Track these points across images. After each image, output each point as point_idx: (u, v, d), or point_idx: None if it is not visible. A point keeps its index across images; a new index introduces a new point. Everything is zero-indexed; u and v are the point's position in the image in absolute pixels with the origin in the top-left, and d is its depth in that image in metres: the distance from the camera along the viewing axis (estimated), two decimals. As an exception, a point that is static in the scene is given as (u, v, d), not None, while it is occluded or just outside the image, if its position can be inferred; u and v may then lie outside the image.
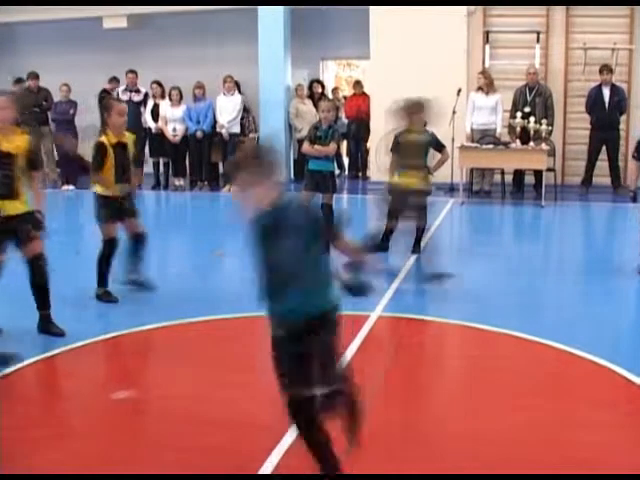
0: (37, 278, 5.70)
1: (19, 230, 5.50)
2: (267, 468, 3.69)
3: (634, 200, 7.65)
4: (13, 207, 5.51)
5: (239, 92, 14.23)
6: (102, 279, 6.64)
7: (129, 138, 6.55)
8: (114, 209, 6.43)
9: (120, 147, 6.39)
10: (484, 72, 12.48)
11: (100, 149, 6.31)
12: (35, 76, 14.18)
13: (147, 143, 13.80)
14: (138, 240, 6.71)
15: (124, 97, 13.73)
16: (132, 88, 13.78)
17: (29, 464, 3.74)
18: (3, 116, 5.39)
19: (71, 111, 13.71)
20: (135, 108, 13.66)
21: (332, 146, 8.35)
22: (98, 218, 6.53)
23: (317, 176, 8.34)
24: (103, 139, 6.35)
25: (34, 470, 3.67)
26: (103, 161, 6.29)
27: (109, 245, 6.54)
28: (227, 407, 4.41)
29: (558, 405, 4.46)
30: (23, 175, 5.59)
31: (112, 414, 4.34)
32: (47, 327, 5.71)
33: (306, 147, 8.47)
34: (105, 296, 6.57)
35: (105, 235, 6.53)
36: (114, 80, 14.37)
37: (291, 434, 4.00)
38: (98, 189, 6.46)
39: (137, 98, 13.74)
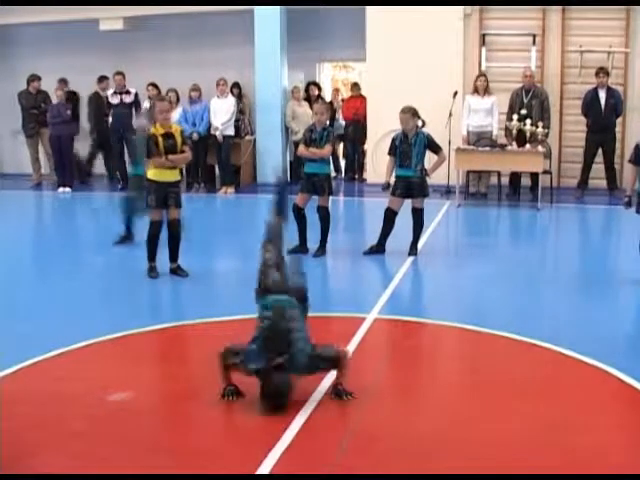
0: None
1: None
2: (265, 468, 3.69)
3: (628, 205, 7.41)
4: None
5: (240, 94, 14.26)
6: (148, 255, 7.49)
7: (176, 130, 7.44)
8: (160, 195, 7.27)
9: (167, 137, 7.27)
10: (484, 74, 12.50)
11: (149, 138, 7.26)
12: (37, 78, 14.09)
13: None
14: (171, 227, 7.41)
15: (114, 100, 13.71)
16: (121, 90, 13.76)
17: (29, 465, 3.74)
18: None
19: (68, 112, 13.68)
20: (127, 110, 13.66)
21: (327, 148, 8.28)
22: (146, 202, 7.37)
23: (313, 179, 8.29)
24: (152, 130, 7.30)
25: (34, 471, 3.67)
26: (154, 148, 7.21)
27: (152, 226, 7.40)
28: (225, 407, 4.41)
29: (554, 407, 4.47)
30: None
31: (110, 416, 4.34)
32: None
33: (301, 150, 8.43)
34: (149, 271, 7.46)
35: (150, 217, 7.43)
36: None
37: (289, 434, 4.02)
38: (149, 175, 7.35)
39: (128, 99, 13.71)
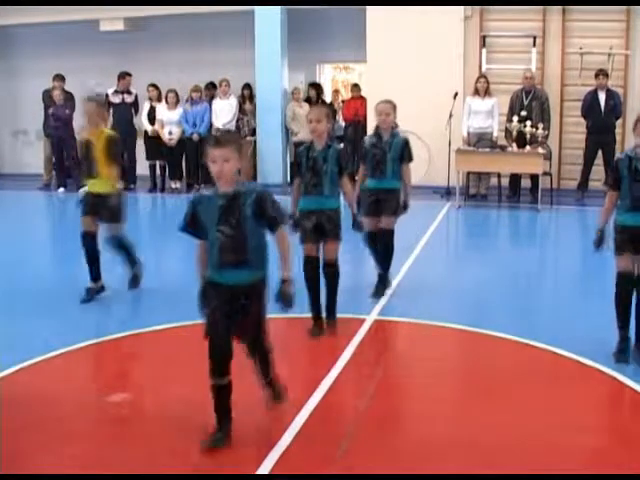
0: None
1: None
2: (265, 468, 3.70)
3: (600, 243, 5.26)
4: None
5: (251, 95, 14.27)
6: (89, 272, 6.69)
7: (100, 136, 6.55)
8: (88, 204, 6.61)
9: (87, 144, 6.59)
10: (485, 76, 12.51)
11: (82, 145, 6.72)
12: (61, 78, 13.99)
13: (143, 145, 13.85)
14: (109, 242, 6.74)
15: (116, 99, 13.72)
16: (123, 90, 13.78)
17: (29, 466, 3.74)
18: None
19: (67, 111, 13.69)
20: (128, 109, 13.71)
21: (347, 185, 5.90)
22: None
23: (316, 217, 5.75)
24: (81, 136, 6.80)
25: (34, 471, 3.68)
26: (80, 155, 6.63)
27: (82, 238, 6.60)
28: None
29: (553, 408, 4.47)
30: None
31: (109, 417, 4.34)
32: None
33: (296, 187, 5.86)
34: (87, 292, 6.63)
35: (81, 227, 6.65)
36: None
37: (289, 434, 4.02)
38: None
39: (129, 100, 13.77)
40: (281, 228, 3.96)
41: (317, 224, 5.71)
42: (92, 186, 6.63)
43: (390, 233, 6.81)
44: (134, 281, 6.95)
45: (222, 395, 3.96)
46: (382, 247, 6.86)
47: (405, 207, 6.76)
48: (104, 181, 6.55)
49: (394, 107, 6.72)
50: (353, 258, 8.42)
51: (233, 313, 3.90)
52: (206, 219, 3.91)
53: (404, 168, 6.74)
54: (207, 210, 3.92)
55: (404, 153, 6.72)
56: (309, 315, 5.86)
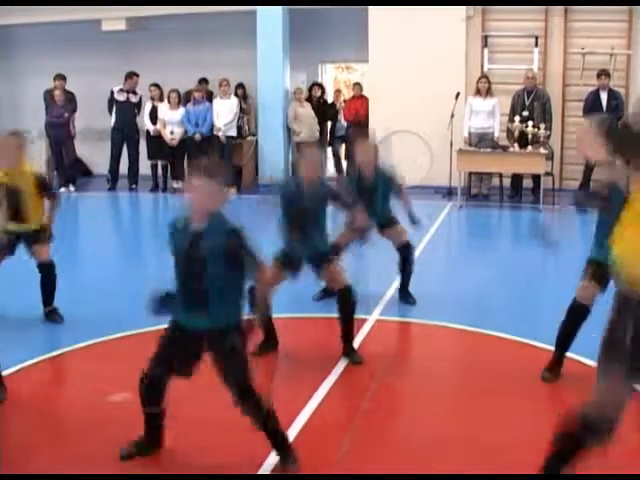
0: None
1: None
2: (266, 468, 3.69)
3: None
4: None
5: (244, 95, 14.28)
6: None
7: (26, 178, 5.72)
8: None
9: (10, 193, 5.65)
10: (486, 76, 12.50)
11: None
12: (62, 77, 13.97)
13: (145, 145, 13.87)
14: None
15: (120, 97, 13.75)
16: (129, 89, 13.80)
17: (29, 466, 3.74)
18: None
19: (66, 114, 13.69)
20: (132, 108, 13.75)
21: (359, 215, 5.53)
22: None
23: (297, 258, 5.27)
24: None
25: (34, 471, 3.68)
26: None
27: None
28: (226, 409, 4.41)
29: (554, 408, 4.46)
30: None
31: (110, 416, 4.34)
32: None
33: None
34: None
35: None
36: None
37: (290, 434, 4.01)
38: None
39: (134, 99, 13.81)
40: (258, 270, 3.69)
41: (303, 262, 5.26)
42: (17, 227, 5.80)
43: (408, 246, 6.72)
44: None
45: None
46: (402, 261, 6.75)
47: (415, 222, 6.56)
48: (34, 222, 5.85)
49: (375, 148, 6.51)
50: (353, 260, 8.42)
51: (190, 357, 3.75)
52: (175, 250, 3.77)
53: (399, 194, 6.55)
54: (178, 242, 3.75)
55: (393, 187, 6.49)
56: (311, 315, 5.86)
